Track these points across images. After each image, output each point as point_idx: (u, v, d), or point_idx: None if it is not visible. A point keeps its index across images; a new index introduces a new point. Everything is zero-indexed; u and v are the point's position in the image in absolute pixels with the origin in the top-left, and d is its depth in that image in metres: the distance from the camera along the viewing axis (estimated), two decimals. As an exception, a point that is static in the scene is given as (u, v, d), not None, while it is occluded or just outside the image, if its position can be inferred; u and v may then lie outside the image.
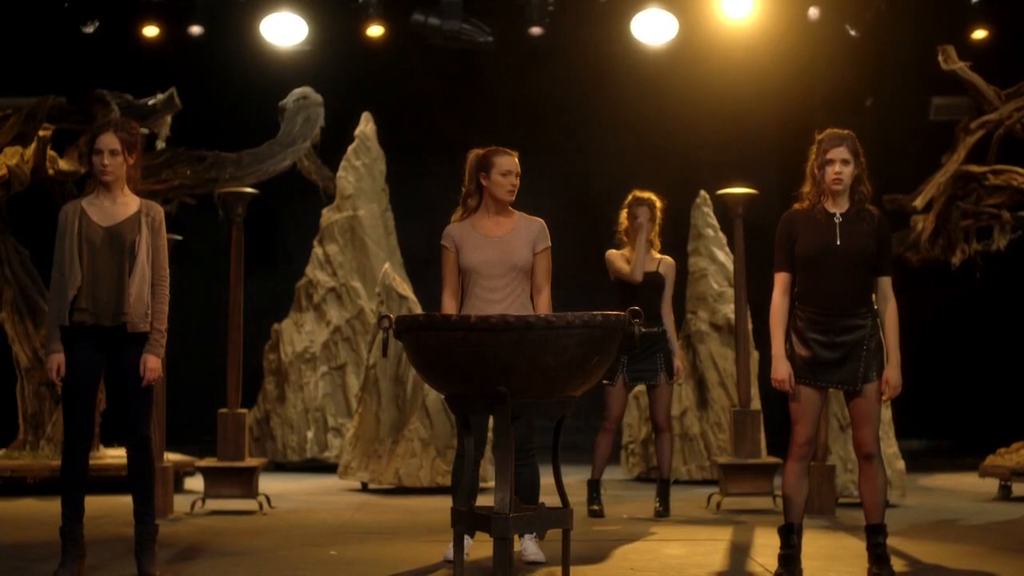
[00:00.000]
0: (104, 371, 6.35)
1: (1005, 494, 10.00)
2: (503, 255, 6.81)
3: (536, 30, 12.78)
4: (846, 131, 6.27)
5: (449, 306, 6.90)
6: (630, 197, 8.99)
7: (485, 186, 6.88)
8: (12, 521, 8.50)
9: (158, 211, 6.46)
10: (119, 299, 6.24)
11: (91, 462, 6.52)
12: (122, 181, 6.40)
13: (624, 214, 8.97)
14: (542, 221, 6.97)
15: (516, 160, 6.89)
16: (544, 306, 6.84)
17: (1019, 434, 10.51)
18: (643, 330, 8.65)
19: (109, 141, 6.36)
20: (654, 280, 8.89)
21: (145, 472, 6.37)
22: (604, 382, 8.76)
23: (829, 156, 6.20)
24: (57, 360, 6.22)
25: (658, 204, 8.95)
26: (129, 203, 6.40)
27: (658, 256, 8.99)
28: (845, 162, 6.19)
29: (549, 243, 6.94)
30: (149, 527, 6.32)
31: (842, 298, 6.13)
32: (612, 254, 8.97)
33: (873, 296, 6.26)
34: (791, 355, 6.18)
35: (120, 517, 8.03)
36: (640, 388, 10.40)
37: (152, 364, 6.29)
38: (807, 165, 6.30)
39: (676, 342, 9.01)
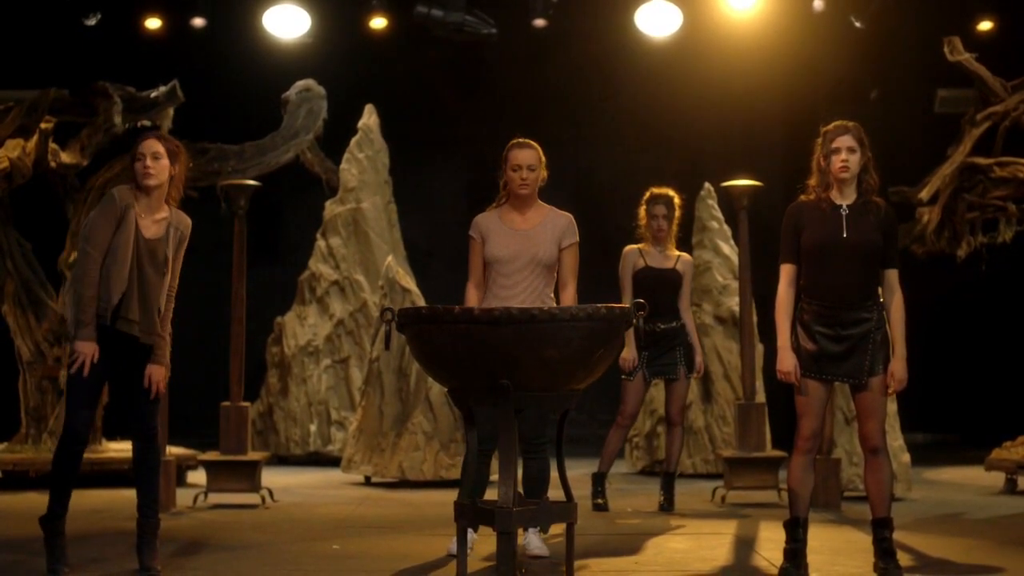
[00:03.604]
0: (112, 371, 6.29)
1: (1011, 487, 9.98)
2: (526, 248, 6.77)
3: (540, 22, 12.76)
4: (851, 122, 6.23)
5: (472, 297, 6.87)
6: (648, 194, 8.97)
7: (506, 180, 6.87)
8: (14, 515, 8.47)
9: (187, 224, 6.33)
10: (153, 316, 6.19)
11: (94, 456, 6.47)
12: (164, 189, 6.22)
13: (642, 211, 8.95)
14: (570, 216, 6.92)
15: (529, 153, 6.81)
16: (569, 302, 6.78)
17: (1025, 427, 10.49)
18: (662, 326, 8.79)
19: (152, 145, 6.21)
20: (672, 276, 8.87)
21: (151, 464, 6.30)
22: (623, 376, 8.76)
23: (835, 145, 6.16)
24: (92, 349, 6.07)
25: (676, 200, 8.93)
26: (163, 215, 6.25)
27: (676, 253, 8.97)
28: (851, 150, 6.15)
29: (577, 238, 6.89)
30: (152, 521, 6.27)
31: (848, 291, 6.09)
32: (627, 253, 8.92)
33: (879, 289, 6.22)
34: (797, 348, 6.14)
35: (122, 511, 8.01)
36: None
37: (159, 376, 6.25)
38: (812, 158, 6.26)
39: (696, 337, 8.99)
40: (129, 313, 6.10)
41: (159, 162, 6.18)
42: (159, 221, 6.23)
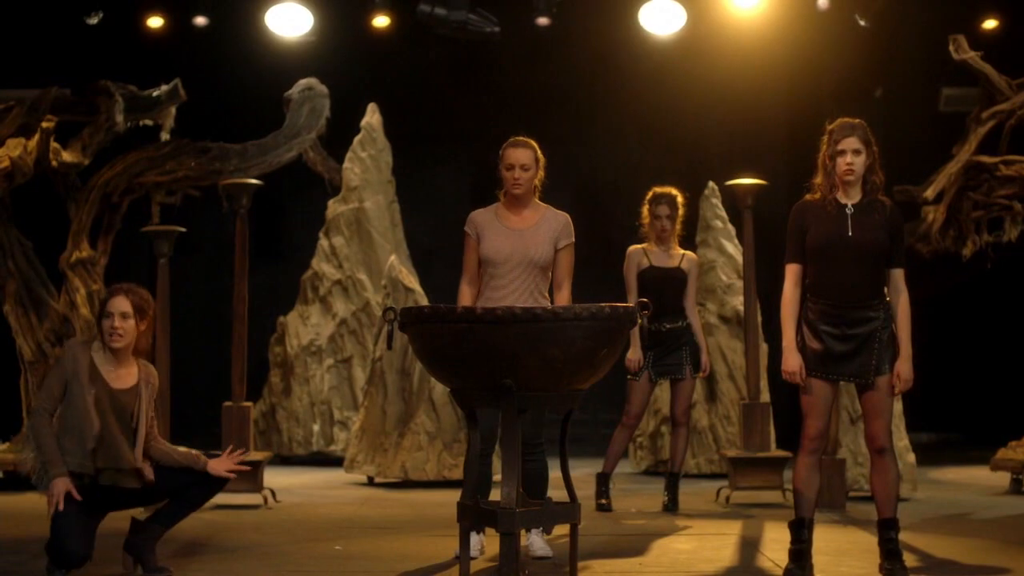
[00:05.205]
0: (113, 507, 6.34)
1: (1016, 487, 9.93)
2: (520, 248, 6.72)
3: (543, 20, 12.71)
4: (857, 120, 6.18)
5: (466, 294, 6.83)
6: (651, 193, 8.93)
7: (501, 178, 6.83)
8: (15, 515, 8.46)
9: (155, 375, 6.36)
10: (126, 463, 6.15)
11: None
12: (130, 348, 6.23)
13: (646, 210, 8.91)
14: (567, 216, 6.86)
15: (523, 152, 6.75)
16: (563, 303, 6.73)
17: (1030, 427, 10.44)
18: (668, 326, 8.76)
19: (120, 304, 6.15)
20: (677, 275, 8.84)
21: (200, 499, 6.36)
22: (629, 376, 8.73)
23: (840, 147, 6.11)
24: (65, 484, 6.00)
25: (679, 199, 8.89)
26: (132, 369, 6.25)
27: (680, 251, 8.93)
28: (856, 152, 6.11)
29: (573, 239, 6.83)
30: (164, 529, 6.30)
31: (854, 290, 6.06)
32: (632, 253, 8.89)
33: (885, 288, 6.17)
34: (802, 347, 6.10)
35: (121, 511, 7.96)
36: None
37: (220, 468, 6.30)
38: (818, 156, 6.22)
39: (702, 336, 8.96)
40: (99, 462, 6.09)
41: (127, 322, 6.15)
42: (127, 375, 6.22)
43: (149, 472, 6.16)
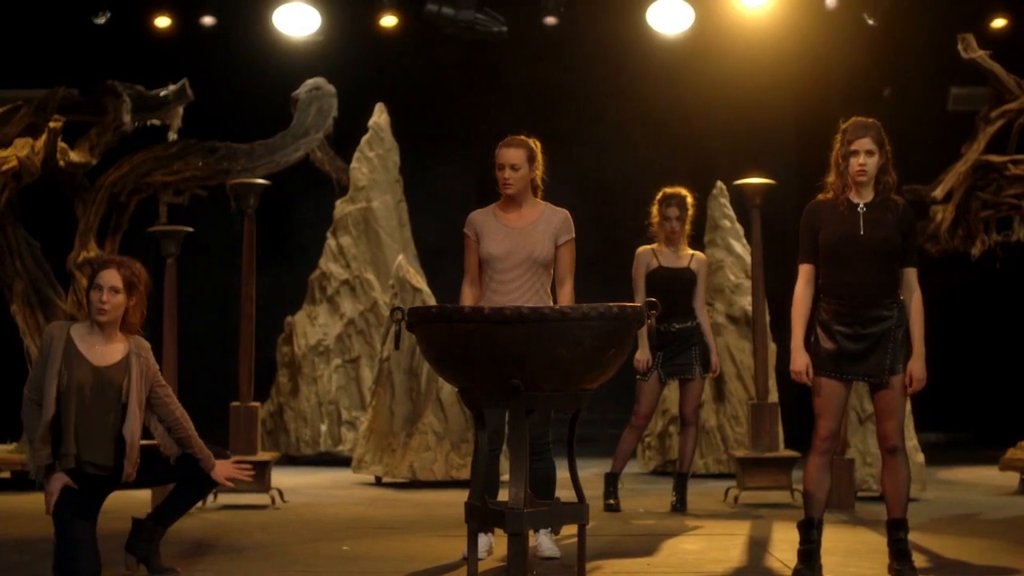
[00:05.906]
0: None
1: (1026, 488, 9.92)
2: (521, 246, 6.69)
3: (551, 20, 12.70)
4: (871, 120, 6.16)
5: (468, 296, 6.80)
6: (660, 194, 8.91)
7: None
8: (21, 515, 8.47)
9: (147, 348, 6.23)
10: (111, 450, 6.06)
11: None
12: (117, 323, 6.13)
13: (655, 211, 8.89)
14: (566, 212, 6.83)
15: (512, 152, 6.67)
16: (567, 299, 6.71)
17: (1039, 427, 10.41)
18: (677, 326, 8.75)
19: (110, 277, 6.06)
20: (686, 276, 8.82)
21: (197, 494, 6.37)
22: (637, 377, 8.72)
23: (854, 147, 6.09)
24: (61, 481, 5.97)
25: (689, 200, 8.88)
26: (119, 344, 6.14)
27: (689, 252, 8.92)
28: (870, 153, 6.08)
29: (573, 234, 6.80)
30: (164, 530, 6.27)
31: (867, 289, 6.04)
32: (641, 254, 8.87)
33: (898, 287, 6.15)
34: (815, 347, 6.08)
35: (121, 511, 7.92)
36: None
37: (228, 472, 6.27)
38: (831, 154, 6.19)
39: (711, 336, 8.94)
40: (74, 451, 5.99)
41: (115, 296, 6.06)
42: (113, 351, 6.12)
43: (132, 467, 6.06)
